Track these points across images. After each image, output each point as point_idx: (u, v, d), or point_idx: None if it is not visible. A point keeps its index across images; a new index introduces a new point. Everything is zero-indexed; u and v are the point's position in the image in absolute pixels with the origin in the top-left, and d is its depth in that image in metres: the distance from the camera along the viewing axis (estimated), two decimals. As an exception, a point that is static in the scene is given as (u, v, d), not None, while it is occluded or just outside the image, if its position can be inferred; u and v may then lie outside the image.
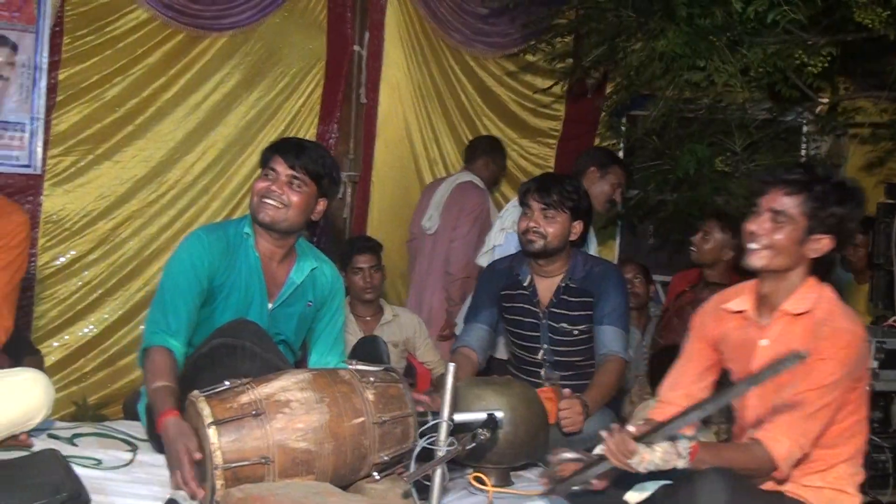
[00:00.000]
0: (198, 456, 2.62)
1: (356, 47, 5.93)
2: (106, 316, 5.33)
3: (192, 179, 5.52)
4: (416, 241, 5.73)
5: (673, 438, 2.39)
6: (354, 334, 4.53)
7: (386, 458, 2.71)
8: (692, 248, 4.60)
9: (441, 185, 5.60)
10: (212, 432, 2.52)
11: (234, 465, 2.52)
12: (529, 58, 5.96)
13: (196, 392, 2.67)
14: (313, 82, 5.81)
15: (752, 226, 2.67)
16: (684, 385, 2.86)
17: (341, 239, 5.74)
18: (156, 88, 5.39)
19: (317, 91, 5.82)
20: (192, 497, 2.61)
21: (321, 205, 3.27)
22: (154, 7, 5.28)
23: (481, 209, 5.39)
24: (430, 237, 5.56)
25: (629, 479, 2.59)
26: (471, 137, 6.06)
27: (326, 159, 3.27)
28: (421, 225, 5.62)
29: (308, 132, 5.71)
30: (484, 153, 5.67)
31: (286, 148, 3.22)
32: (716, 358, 2.84)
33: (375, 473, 2.69)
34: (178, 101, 5.47)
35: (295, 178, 3.17)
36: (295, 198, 3.17)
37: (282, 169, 3.17)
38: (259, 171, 3.27)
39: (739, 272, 4.55)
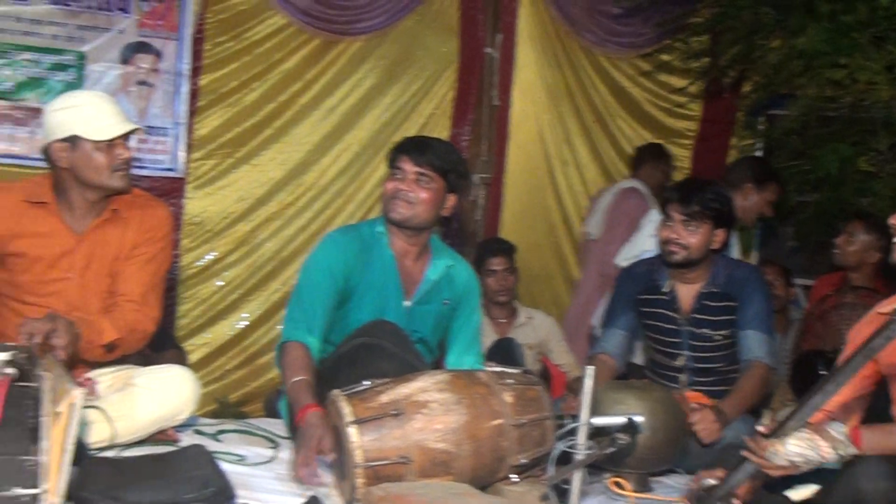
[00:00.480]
0: (330, 456, 2.68)
1: (488, 49, 5.92)
2: (245, 315, 5.47)
3: (328, 182, 5.61)
4: (583, 247, 5.79)
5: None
6: (489, 337, 4.53)
7: (524, 460, 2.69)
8: (835, 251, 4.45)
9: (607, 192, 5.61)
10: (353, 431, 2.55)
11: (374, 463, 2.54)
12: (664, 57, 5.86)
13: (336, 391, 2.70)
14: (446, 85, 5.83)
15: None
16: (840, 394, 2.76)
17: (474, 241, 5.75)
18: (292, 93, 5.50)
19: (450, 93, 5.84)
20: (301, 482, 2.69)
21: (451, 200, 3.29)
22: (290, 13, 5.39)
23: (637, 214, 5.33)
24: (593, 242, 5.58)
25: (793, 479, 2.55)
26: (604, 138, 6.01)
27: (451, 154, 3.30)
28: (586, 231, 5.67)
29: (441, 135, 5.72)
30: (649, 160, 5.64)
31: (411, 146, 3.26)
32: (873, 368, 2.73)
33: (514, 476, 2.68)
34: (314, 104, 5.57)
35: (422, 174, 3.20)
36: (423, 194, 3.20)
37: (408, 167, 3.21)
38: (390, 171, 3.31)
39: (885, 275, 4.40)
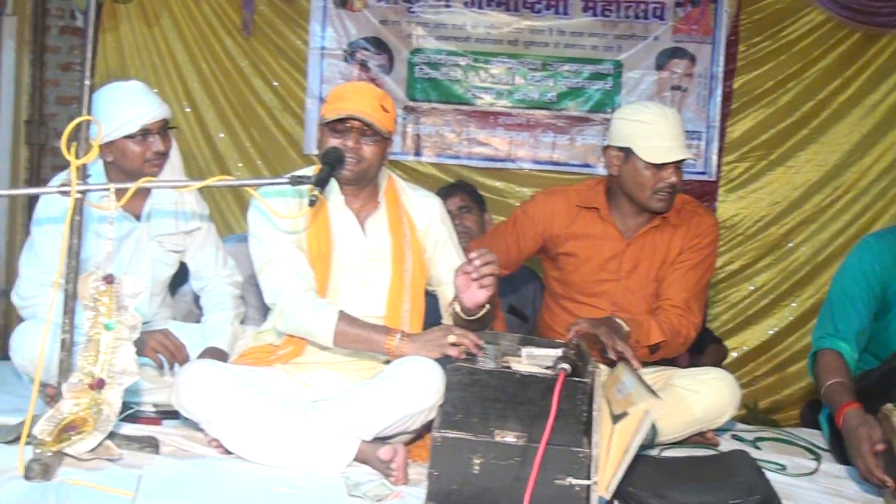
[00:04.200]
0: (880, 447, 2.57)
1: None
2: (776, 322, 5.39)
3: (868, 183, 5.35)
4: None
5: None
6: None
7: None
8: None
9: None
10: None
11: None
12: None
13: (890, 405, 2.59)
14: None
15: None
16: None
17: None
18: (830, 91, 5.32)
19: None
20: (881, 485, 2.57)
21: None
22: (830, 8, 5.21)
23: None
24: None
25: None
26: None
27: None
28: None
29: None
30: None
31: None
32: None
33: None
34: (854, 102, 5.34)
35: None
36: None
37: None
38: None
39: None
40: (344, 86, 3.10)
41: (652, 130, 3.18)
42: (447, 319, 3.07)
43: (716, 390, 3.10)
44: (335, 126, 2.89)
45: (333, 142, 2.88)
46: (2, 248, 5.15)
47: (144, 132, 3.14)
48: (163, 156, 3.20)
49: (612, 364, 2.86)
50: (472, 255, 2.75)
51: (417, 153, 5.39)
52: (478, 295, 2.79)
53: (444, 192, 4.10)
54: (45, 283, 3.12)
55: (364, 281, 2.98)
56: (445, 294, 3.07)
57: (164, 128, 3.21)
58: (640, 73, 5.34)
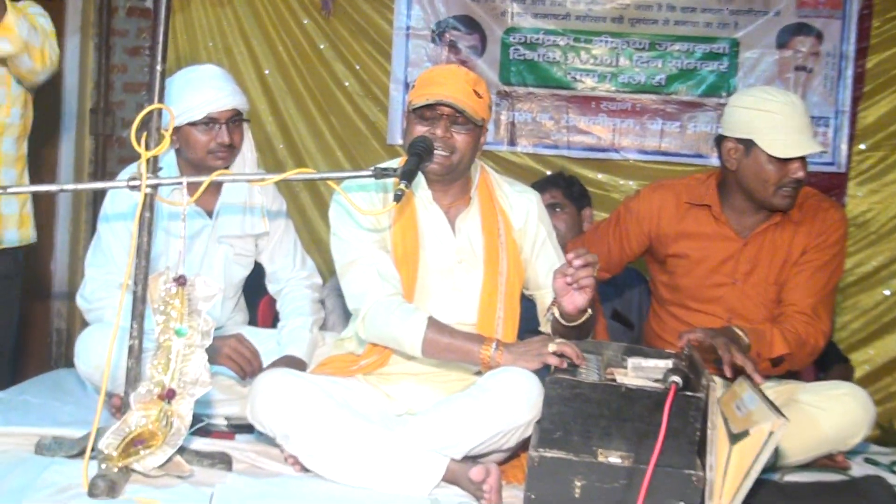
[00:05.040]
0: None
1: None
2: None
3: None
4: None
5: None
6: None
7: None
8: None
9: None
10: None
11: None
12: None
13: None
14: None
15: None
16: None
17: None
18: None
19: None
20: None
21: None
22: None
23: None
24: None
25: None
26: None
27: None
28: None
29: None
30: None
31: None
32: None
33: None
34: None
35: None
36: None
37: None
38: None
39: None
40: (433, 69, 3.11)
41: (778, 121, 3.14)
42: (545, 326, 3.05)
43: (846, 407, 3.04)
44: (423, 113, 2.90)
45: (421, 130, 2.89)
46: (65, 246, 5.28)
47: (209, 120, 3.19)
48: (229, 148, 3.23)
49: (732, 379, 2.82)
50: (571, 255, 2.73)
51: (512, 143, 5.37)
52: (578, 299, 2.77)
53: (536, 188, 4.08)
54: (112, 285, 3.19)
55: (454, 284, 2.99)
56: (544, 299, 3.06)
57: (233, 118, 3.24)
58: (760, 52, 5.24)
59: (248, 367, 3.13)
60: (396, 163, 2.93)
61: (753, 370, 2.78)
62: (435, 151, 2.84)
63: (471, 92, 2.89)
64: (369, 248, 2.94)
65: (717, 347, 2.86)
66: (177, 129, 3.15)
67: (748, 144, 3.17)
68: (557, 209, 4.15)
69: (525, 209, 3.10)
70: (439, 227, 3.00)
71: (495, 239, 3.01)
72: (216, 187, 3.27)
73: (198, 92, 3.17)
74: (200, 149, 3.19)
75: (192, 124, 3.17)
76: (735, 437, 2.39)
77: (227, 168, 3.25)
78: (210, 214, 3.32)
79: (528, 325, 3.11)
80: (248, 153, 3.33)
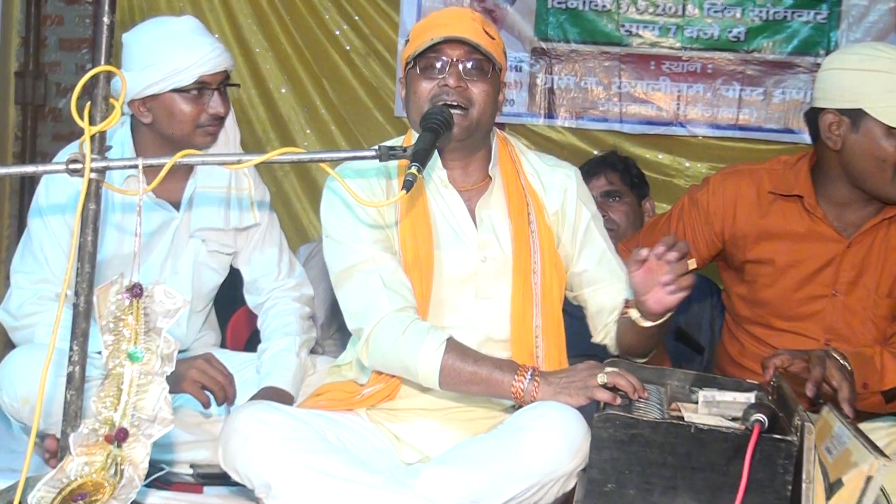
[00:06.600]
0: None
1: None
2: None
3: None
4: None
5: None
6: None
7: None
8: None
9: None
10: None
11: None
12: None
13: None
14: None
15: None
16: None
17: None
18: None
19: None
20: None
21: None
22: None
23: None
24: None
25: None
26: None
27: None
28: None
29: None
30: None
31: None
32: None
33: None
34: None
35: None
36: None
37: None
38: None
39: None
40: (430, 15, 3.08)
41: (894, 83, 3.09)
42: (600, 336, 3.04)
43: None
44: (428, 62, 2.87)
45: (426, 87, 2.86)
46: (-18, 247, 5.29)
47: (201, 86, 3.18)
48: (220, 121, 3.23)
49: (813, 402, 2.82)
50: (660, 247, 2.69)
51: (550, 115, 5.37)
52: (668, 299, 2.75)
53: (585, 171, 4.06)
54: (45, 296, 3.18)
55: (478, 290, 2.97)
56: (592, 300, 3.04)
57: (224, 82, 3.24)
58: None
59: (220, 393, 3.09)
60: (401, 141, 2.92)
61: (846, 399, 2.76)
62: (453, 119, 2.75)
63: (481, 31, 2.87)
64: (371, 250, 2.91)
65: (809, 364, 2.85)
66: (153, 98, 3.15)
67: (856, 116, 3.13)
68: (614, 199, 4.13)
69: (562, 187, 3.07)
70: (458, 217, 2.97)
71: (525, 227, 2.98)
72: (184, 172, 3.26)
73: (189, 50, 3.15)
74: (188, 122, 3.18)
75: (179, 91, 3.16)
76: (831, 488, 2.39)
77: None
78: (176, 206, 3.30)
79: (573, 340, 3.08)
80: (230, 129, 3.32)
